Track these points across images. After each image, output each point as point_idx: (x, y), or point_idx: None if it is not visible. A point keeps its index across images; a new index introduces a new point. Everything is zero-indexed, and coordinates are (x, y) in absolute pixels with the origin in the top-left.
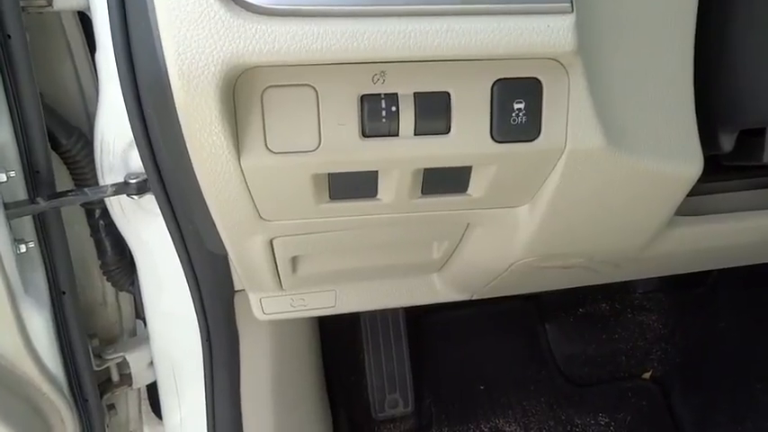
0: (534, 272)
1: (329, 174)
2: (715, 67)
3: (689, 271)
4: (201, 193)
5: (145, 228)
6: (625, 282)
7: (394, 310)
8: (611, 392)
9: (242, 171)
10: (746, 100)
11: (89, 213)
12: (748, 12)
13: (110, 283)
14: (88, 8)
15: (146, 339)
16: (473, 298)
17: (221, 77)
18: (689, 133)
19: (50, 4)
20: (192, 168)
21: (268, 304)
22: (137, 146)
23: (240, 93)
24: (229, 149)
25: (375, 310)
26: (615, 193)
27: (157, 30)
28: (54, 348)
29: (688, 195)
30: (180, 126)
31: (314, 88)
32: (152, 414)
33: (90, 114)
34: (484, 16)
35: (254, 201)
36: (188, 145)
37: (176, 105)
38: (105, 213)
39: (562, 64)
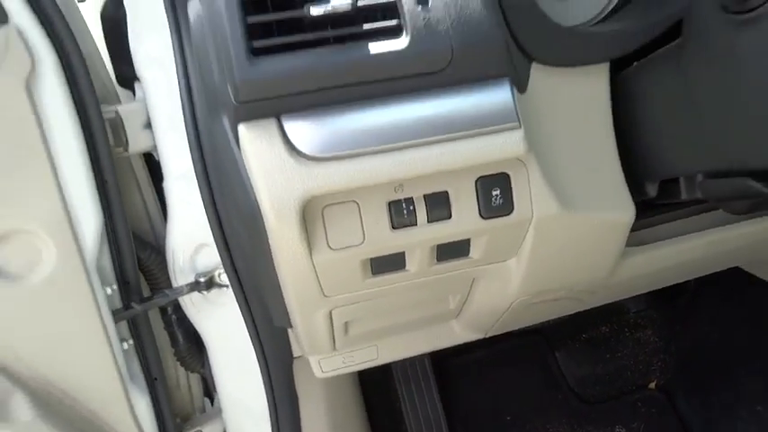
0: (531, 307)
1: (371, 258)
2: (632, 137)
3: (654, 288)
4: (277, 281)
5: (212, 317)
6: (618, 304)
7: (420, 358)
8: (623, 405)
9: (313, 265)
10: (657, 160)
11: (163, 310)
12: (644, 99)
13: (182, 368)
14: (154, 148)
15: (217, 413)
16: (486, 336)
17: (298, 205)
18: (620, 189)
19: (126, 150)
20: (273, 266)
21: (325, 364)
22: (219, 254)
23: (308, 212)
24: (304, 251)
25: (405, 361)
26: (575, 241)
27: (249, 178)
28: (155, 427)
29: (634, 230)
30: (267, 239)
31: (356, 203)
32: None
33: (156, 231)
34: (463, 140)
35: (320, 283)
36: (274, 251)
37: (267, 227)
38: (177, 308)
39: (521, 160)
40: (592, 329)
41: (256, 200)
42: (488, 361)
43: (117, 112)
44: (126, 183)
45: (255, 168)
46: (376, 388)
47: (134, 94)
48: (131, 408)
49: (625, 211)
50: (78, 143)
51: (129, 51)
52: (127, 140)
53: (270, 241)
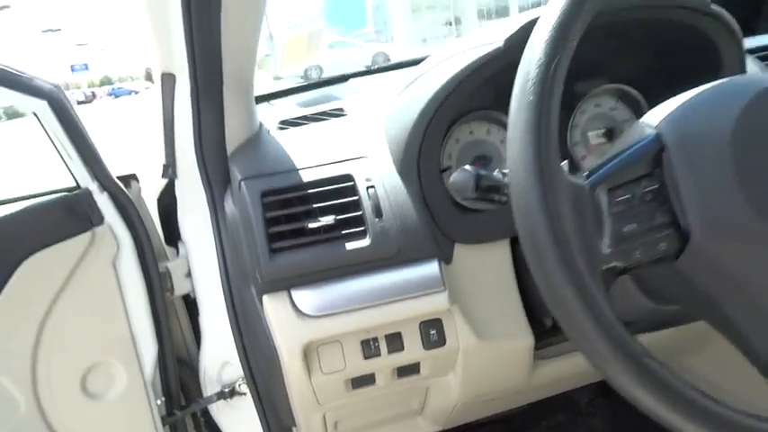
0: (477, 404)
1: (352, 378)
2: (530, 286)
3: (573, 387)
4: (286, 393)
5: (233, 419)
6: (572, 393)
7: None
8: None
9: (311, 384)
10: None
11: (193, 414)
12: None
13: None
14: (192, 291)
15: None
16: (445, 427)
17: (301, 347)
18: (521, 324)
19: (173, 294)
20: (284, 383)
21: None
22: (242, 371)
23: (309, 350)
24: (305, 376)
25: None
26: (493, 360)
27: (269, 329)
28: None
29: (542, 348)
30: (281, 367)
31: (340, 342)
32: None
33: (190, 354)
34: (409, 300)
35: (316, 396)
36: (285, 375)
37: (281, 360)
38: (204, 412)
39: (449, 310)
40: (550, 417)
41: (274, 343)
42: None
43: (167, 268)
44: (170, 318)
45: (274, 323)
46: None
47: (177, 251)
48: None
49: (526, 339)
50: (143, 295)
51: (177, 222)
52: (173, 287)
53: (282, 369)
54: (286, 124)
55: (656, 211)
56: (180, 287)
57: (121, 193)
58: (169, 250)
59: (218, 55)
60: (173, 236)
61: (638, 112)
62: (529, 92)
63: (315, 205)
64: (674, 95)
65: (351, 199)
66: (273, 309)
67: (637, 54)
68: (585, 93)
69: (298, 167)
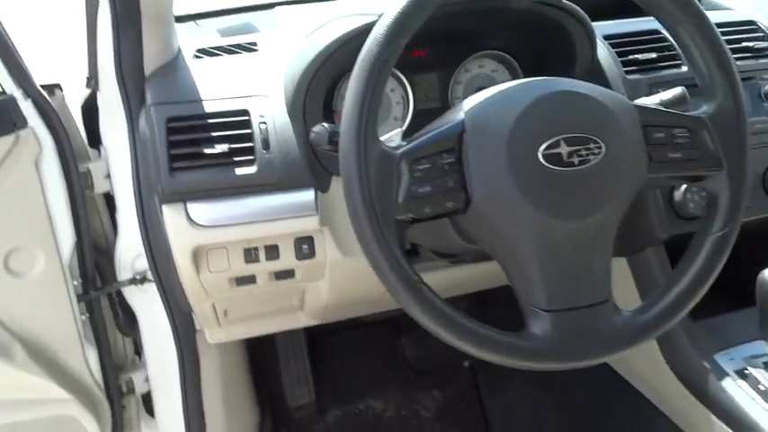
0: (347, 305)
1: (236, 277)
2: None
3: None
4: (182, 286)
5: (143, 301)
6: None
7: (297, 334)
8: (443, 376)
9: (200, 280)
10: None
11: (109, 296)
12: None
13: (119, 333)
14: (111, 191)
15: (143, 365)
16: (323, 321)
17: (193, 250)
18: None
19: (93, 191)
20: (179, 279)
21: (214, 334)
22: (148, 264)
23: (199, 253)
24: (194, 273)
25: (286, 334)
26: (355, 273)
27: (166, 233)
28: (99, 370)
29: None
30: (175, 264)
31: (226, 248)
32: (145, 413)
33: (109, 244)
34: (287, 219)
35: (204, 289)
36: (180, 273)
37: (175, 259)
38: (119, 294)
39: (320, 230)
40: None
41: (170, 245)
42: (351, 341)
43: (88, 168)
44: (92, 212)
45: (170, 229)
46: (262, 352)
47: (99, 152)
48: (85, 357)
49: None
50: (63, 192)
51: (99, 129)
52: (93, 185)
53: (176, 266)
54: (202, 53)
55: (448, 178)
56: (99, 186)
57: (44, 100)
58: (92, 152)
59: None
60: (96, 139)
61: (517, 77)
62: (358, 75)
63: (213, 134)
64: (543, 72)
65: (244, 132)
66: (170, 217)
67: (511, 32)
68: (468, 55)
69: (202, 98)
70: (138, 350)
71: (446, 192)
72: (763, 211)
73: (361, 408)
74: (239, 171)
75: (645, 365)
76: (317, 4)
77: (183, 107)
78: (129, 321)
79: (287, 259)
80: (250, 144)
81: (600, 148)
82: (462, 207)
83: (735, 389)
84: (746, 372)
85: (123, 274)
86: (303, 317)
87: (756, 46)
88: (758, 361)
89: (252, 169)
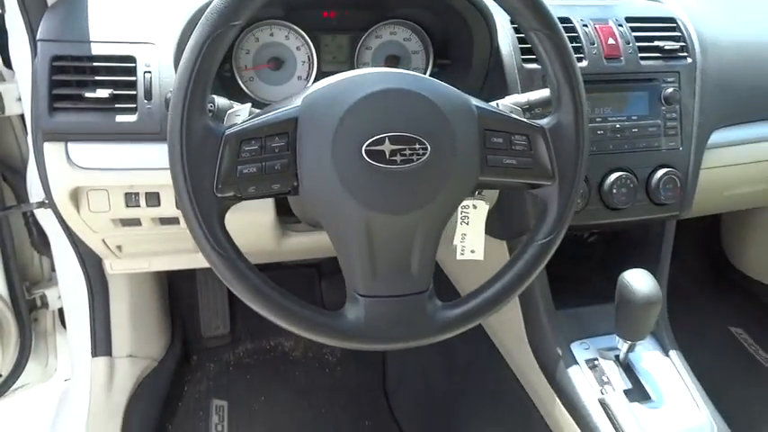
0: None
1: (120, 218)
2: None
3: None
4: None
5: (53, 224)
6: None
7: None
8: None
9: (81, 218)
10: None
11: (24, 215)
12: None
13: (36, 252)
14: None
15: (57, 283)
16: None
17: (69, 190)
18: (268, 203)
19: (3, 113)
20: None
21: (114, 266)
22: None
23: (80, 193)
24: (74, 211)
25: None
26: (245, 225)
27: (45, 172)
28: (5, 287)
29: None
30: (57, 206)
31: (107, 190)
32: (61, 326)
33: (24, 163)
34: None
35: (88, 226)
36: (60, 209)
37: (54, 196)
38: (33, 215)
39: None
40: None
41: (50, 189)
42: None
43: None
44: (6, 133)
45: (48, 167)
46: (183, 283)
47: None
48: None
49: (267, 215)
50: None
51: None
52: (4, 107)
53: (59, 210)
54: None
55: (276, 161)
56: (11, 108)
57: None
58: (8, 72)
59: None
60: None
61: (427, 49)
62: (188, 50)
63: (97, 77)
64: (448, 47)
65: (128, 78)
66: (50, 155)
67: (420, 6)
68: (378, 21)
69: (92, 39)
70: (54, 268)
71: (272, 174)
72: (601, 218)
73: (272, 344)
74: (119, 118)
75: (512, 341)
76: None
77: (70, 47)
78: (42, 241)
79: (169, 207)
80: (133, 92)
81: (425, 149)
82: (290, 190)
83: (580, 377)
84: (596, 362)
85: (34, 195)
86: (200, 259)
87: (666, 47)
88: (610, 354)
89: (132, 117)
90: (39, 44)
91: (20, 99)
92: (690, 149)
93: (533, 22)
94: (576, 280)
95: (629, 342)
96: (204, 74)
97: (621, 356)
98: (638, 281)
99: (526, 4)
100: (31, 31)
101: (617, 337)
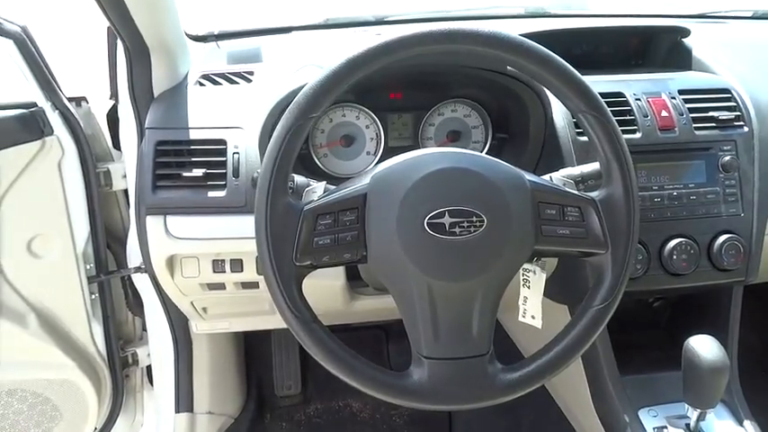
0: None
1: (207, 283)
2: None
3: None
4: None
5: (147, 287)
6: None
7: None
8: None
9: (175, 283)
10: None
11: (122, 279)
12: None
13: (130, 312)
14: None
15: (147, 342)
16: None
17: (167, 258)
18: (338, 271)
19: (111, 188)
20: None
21: (199, 326)
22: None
23: (175, 260)
24: (169, 277)
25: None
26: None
27: (147, 241)
28: (104, 343)
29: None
30: (154, 271)
31: (197, 258)
32: (148, 383)
33: (125, 232)
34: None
35: (180, 290)
36: (157, 275)
37: (153, 263)
38: (130, 279)
39: None
40: None
41: (148, 251)
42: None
43: (108, 169)
44: (112, 206)
45: (150, 237)
46: (258, 344)
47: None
48: (91, 331)
49: (339, 281)
50: (81, 190)
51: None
52: (111, 183)
53: (158, 279)
54: (205, 79)
55: (347, 233)
56: (117, 184)
57: (69, 112)
58: (116, 153)
59: (135, 27)
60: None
61: (486, 124)
62: (273, 140)
63: (193, 159)
64: (507, 122)
65: (219, 159)
66: (151, 227)
67: (478, 87)
68: (441, 100)
69: (190, 126)
70: (146, 328)
71: (344, 245)
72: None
73: (341, 405)
74: (211, 194)
75: (577, 406)
76: (329, 30)
77: (172, 133)
78: (137, 302)
79: (250, 272)
80: (223, 171)
81: (482, 221)
82: (359, 259)
83: None
84: (665, 431)
85: (132, 261)
86: (276, 321)
87: (721, 117)
88: (680, 422)
89: (222, 193)
90: (146, 131)
91: (125, 176)
92: (752, 215)
93: (580, 105)
94: (643, 346)
95: (699, 410)
96: (287, 159)
97: (692, 425)
98: (704, 347)
99: (572, 89)
100: (139, 120)
101: (686, 405)
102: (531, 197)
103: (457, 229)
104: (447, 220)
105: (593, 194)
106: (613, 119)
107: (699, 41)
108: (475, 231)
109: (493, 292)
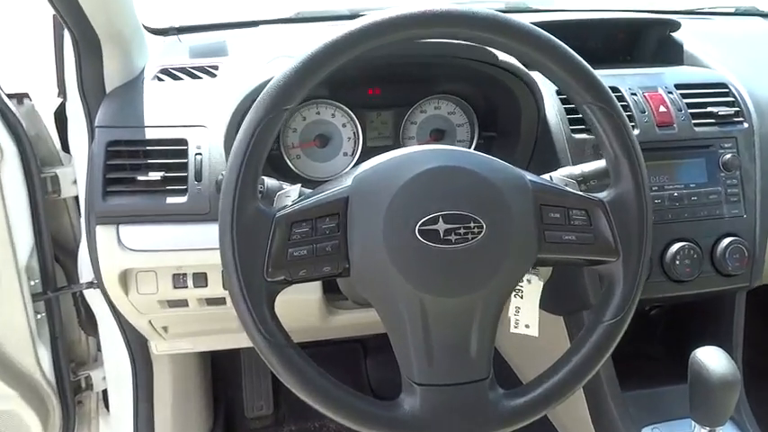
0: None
1: (166, 300)
2: None
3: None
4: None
5: (101, 304)
6: None
7: None
8: None
9: (129, 301)
10: None
11: (73, 295)
12: None
13: (83, 331)
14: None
15: (102, 363)
16: None
17: (118, 272)
18: (315, 285)
19: (60, 195)
20: None
21: (159, 346)
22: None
23: (129, 275)
24: (123, 294)
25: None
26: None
27: (96, 254)
28: (51, 368)
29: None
30: (106, 288)
31: (155, 272)
32: (104, 408)
33: (77, 242)
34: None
35: (135, 308)
36: (108, 292)
37: (103, 279)
38: (82, 295)
39: None
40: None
41: (99, 266)
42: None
43: (56, 174)
44: (61, 214)
45: (100, 250)
46: (225, 363)
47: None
48: (36, 354)
49: (315, 294)
50: (24, 197)
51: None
52: (60, 189)
53: (107, 291)
54: (163, 74)
55: (327, 243)
56: (67, 191)
57: (9, 110)
58: (65, 156)
59: (83, 15)
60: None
61: (472, 121)
62: (239, 138)
63: (150, 161)
64: (495, 119)
65: (180, 161)
66: (101, 238)
67: (464, 81)
68: (423, 96)
69: (146, 124)
70: (100, 349)
71: (323, 256)
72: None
73: (316, 425)
74: (170, 200)
75: (575, 425)
76: (300, 24)
77: (125, 132)
78: (90, 321)
79: (215, 287)
80: (184, 174)
81: (481, 228)
82: (341, 272)
83: None
84: None
85: (84, 276)
86: (246, 339)
87: (720, 112)
88: None
89: (182, 199)
90: (96, 130)
91: (75, 182)
92: (755, 216)
93: (587, 96)
94: (642, 358)
95: (708, 428)
96: (256, 158)
97: None
98: (712, 359)
99: (577, 78)
100: (89, 118)
101: (693, 422)
102: (533, 199)
103: (452, 237)
104: (441, 226)
105: (601, 195)
106: (623, 111)
107: (688, 36)
108: (473, 239)
109: (493, 306)
